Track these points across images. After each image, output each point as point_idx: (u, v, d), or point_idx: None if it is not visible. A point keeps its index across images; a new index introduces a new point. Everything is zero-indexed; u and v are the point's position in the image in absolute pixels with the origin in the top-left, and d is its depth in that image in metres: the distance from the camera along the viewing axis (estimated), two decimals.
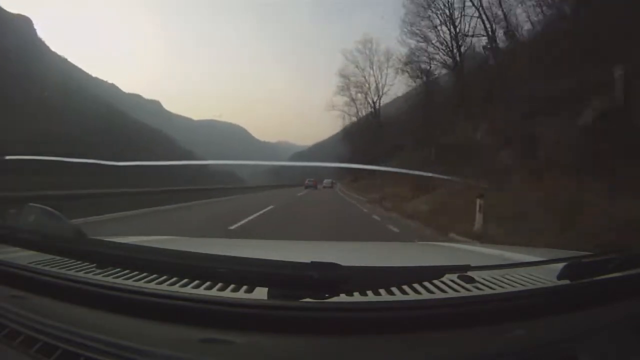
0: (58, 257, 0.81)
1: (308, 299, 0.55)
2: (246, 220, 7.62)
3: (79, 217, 6.31)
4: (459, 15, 18.73)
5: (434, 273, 0.63)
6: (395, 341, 0.54)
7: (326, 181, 35.71)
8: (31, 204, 0.77)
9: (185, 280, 0.70)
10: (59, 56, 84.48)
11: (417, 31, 20.47)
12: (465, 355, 0.54)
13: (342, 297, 0.58)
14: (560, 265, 0.63)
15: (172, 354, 0.51)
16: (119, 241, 0.88)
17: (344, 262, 0.56)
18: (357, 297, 0.61)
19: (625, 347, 0.56)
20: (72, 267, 0.78)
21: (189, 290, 0.67)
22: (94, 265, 0.76)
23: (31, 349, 0.55)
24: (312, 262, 0.56)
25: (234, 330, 0.54)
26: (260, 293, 0.60)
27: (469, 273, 0.69)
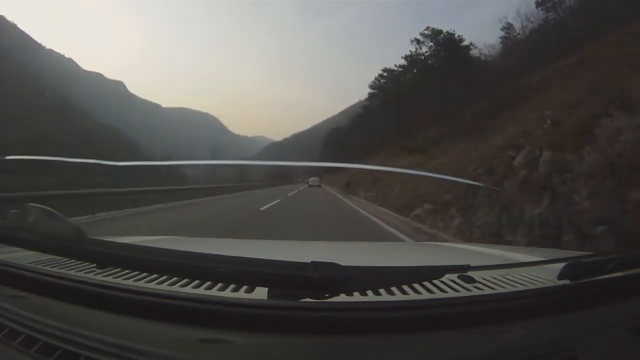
0: (58, 257, 0.81)
1: (308, 299, 0.55)
2: None
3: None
4: None
5: (434, 273, 0.63)
6: (395, 341, 0.54)
7: (312, 179, 35.98)
8: (31, 203, 0.77)
9: (186, 280, 0.70)
10: (7, 21, 76.04)
11: None
12: (465, 355, 0.53)
13: (342, 297, 0.58)
14: (560, 265, 0.63)
15: (172, 354, 0.51)
16: (119, 241, 0.88)
17: (343, 262, 0.56)
18: (357, 297, 0.61)
19: (625, 347, 0.56)
20: (72, 267, 0.78)
21: (189, 290, 0.67)
22: (94, 265, 0.76)
23: (31, 349, 0.55)
24: (311, 262, 0.56)
25: (234, 330, 0.54)
26: (260, 293, 0.60)
27: (469, 273, 0.69)
